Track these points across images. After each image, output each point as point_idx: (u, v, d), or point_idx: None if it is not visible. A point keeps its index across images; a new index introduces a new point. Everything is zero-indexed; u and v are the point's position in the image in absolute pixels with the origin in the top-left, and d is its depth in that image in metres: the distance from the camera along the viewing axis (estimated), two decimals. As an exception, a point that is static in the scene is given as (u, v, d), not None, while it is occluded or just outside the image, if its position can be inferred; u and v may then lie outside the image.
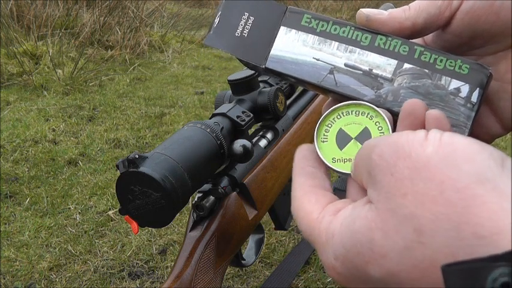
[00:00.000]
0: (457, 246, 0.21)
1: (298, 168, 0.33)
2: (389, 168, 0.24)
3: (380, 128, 0.32)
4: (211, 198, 0.56)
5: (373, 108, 0.33)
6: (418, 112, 0.29)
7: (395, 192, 0.23)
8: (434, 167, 0.22)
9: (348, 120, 0.33)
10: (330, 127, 0.33)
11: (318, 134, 0.33)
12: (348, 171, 0.32)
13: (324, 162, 0.33)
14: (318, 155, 0.33)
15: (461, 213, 0.21)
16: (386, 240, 0.23)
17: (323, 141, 0.33)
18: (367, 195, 0.26)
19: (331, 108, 0.34)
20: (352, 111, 0.33)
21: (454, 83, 0.32)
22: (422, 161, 0.23)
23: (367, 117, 0.33)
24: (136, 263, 1.04)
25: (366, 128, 0.33)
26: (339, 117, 0.33)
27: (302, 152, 0.33)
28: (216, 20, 0.38)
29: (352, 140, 0.33)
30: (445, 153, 0.23)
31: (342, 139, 0.33)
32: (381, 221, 0.24)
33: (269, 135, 0.68)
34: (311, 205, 0.30)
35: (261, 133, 0.68)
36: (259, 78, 0.68)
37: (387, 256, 0.23)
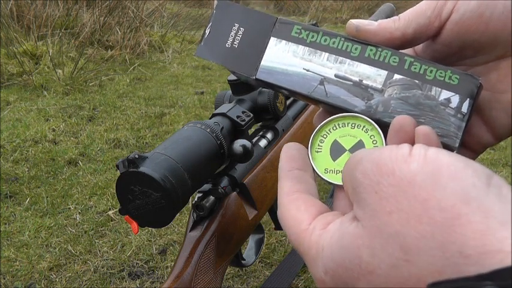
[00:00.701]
0: (443, 264, 0.21)
1: (285, 171, 0.32)
2: (373, 186, 0.24)
3: (374, 142, 0.32)
4: (211, 198, 0.56)
5: (368, 121, 0.33)
6: (407, 128, 0.29)
7: (380, 209, 0.23)
8: (419, 185, 0.22)
9: (343, 132, 0.33)
10: (325, 138, 0.33)
11: (313, 144, 0.33)
12: (338, 183, 0.31)
13: (316, 172, 0.33)
14: (306, 156, 0.33)
15: (446, 232, 0.21)
16: (373, 257, 0.23)
17: (317, 152, 0.33)
18: (353, 210, 0.26)
19: (328, 119, 0.34)
20: (348, 123, 0.33)
21: (444, 94, 0.32)
22: (407, 178, 0.23)
23: (362, 130, 0.33)
24: (136, 263, 1.04)
25: (360, 140, 0.33)
26: (334, 128, 0.33)
27: (289, 152, 0.33)
28: (206, 31, 0.38)
29: (346, 152, 0.33)
30: (430, 170, 0.23)
31: (336, 150, 0.33)
32: (367, 239, 0.24)
33: (269, 135, 0.68)
34: (300, 214, 0.29)
35: (261, 133, 0.68)
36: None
37: (375, 273, 0.23)
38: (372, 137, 0.32)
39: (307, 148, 0.33)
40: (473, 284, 0.19)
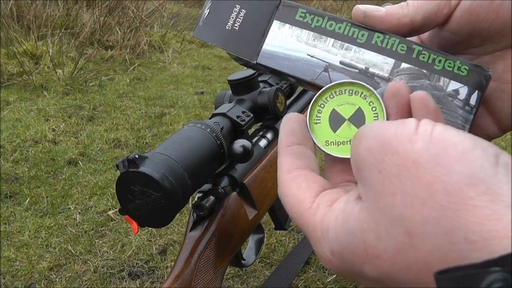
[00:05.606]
0: (448, 250, 0.20)
1: (285, 146, 0.31)
2: (377, 165, 0.23)
3: (374, 109, 0.31)
4: (211, 198, 0.56)
5: (366, 87, 0.31)
6: (402, 92, 0.29)
7: (384, 190, 0.23)
8: (424, 166, 0.22)
9: (341, 100, 0.32)
10: (322, 107, 0.32)
11: (311, 115, 0.32)
12: (341, 155, 0.30)
13: (316, 145, 0.31)
14: (306, 129, 0.31)
15: (451, 218, 0.20)
16: (378, 241, 0.23)
17: (316, 123, 0.32)
18: (358, 188, 0.25)
19: (324, 88, 0.32)
20: (345, 90, 0.32)
21: (453, 85, 0.31)
22: (411, 158, 0.22)
23: (360, 96, 0.31)
24: (136, 263, 1.04)
25: (359, 108, 0.31)
26: (331, 96, 0.32)
27: (290, 125, 0.32)
28: (205, 11, 0.37)
29: (346, 122, 0.31)
30: (436, 150, 0.22)
31: (335, 120, 0.32)
32: (373, 222, 0.23)
33: (269, 135, 0.68)
34: (302, 192, 0.28)
35: (261, 133, 0.68)
36: (259, 78, 0.68)
37: (381, 257, 0.23)
38: (371, 103, 0.31)
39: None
40: (481, 271, 0.18)
